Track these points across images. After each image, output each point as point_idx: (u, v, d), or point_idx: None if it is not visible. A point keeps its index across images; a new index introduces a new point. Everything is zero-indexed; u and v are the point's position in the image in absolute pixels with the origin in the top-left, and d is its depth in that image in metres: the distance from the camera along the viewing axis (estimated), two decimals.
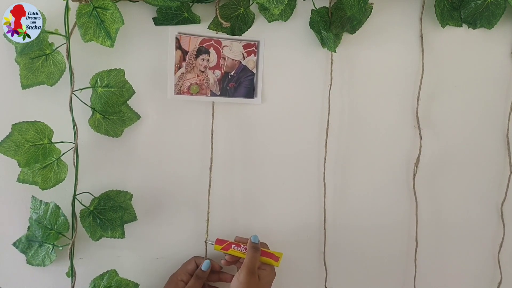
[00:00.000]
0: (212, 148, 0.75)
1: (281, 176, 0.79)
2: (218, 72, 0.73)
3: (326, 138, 0.78)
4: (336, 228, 0.82)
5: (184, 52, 0.71)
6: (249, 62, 0.73)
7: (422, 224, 0.83)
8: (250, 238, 0.72)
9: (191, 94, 0.72)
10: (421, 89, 0.79)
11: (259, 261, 0.70)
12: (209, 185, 0.76)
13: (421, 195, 0.83)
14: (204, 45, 0.71)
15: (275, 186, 0.79)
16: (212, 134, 0.75)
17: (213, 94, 0.73)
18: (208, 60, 0.72)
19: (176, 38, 0.70)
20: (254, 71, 0.74)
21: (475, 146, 0.83)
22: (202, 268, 0.72)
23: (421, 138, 0.81)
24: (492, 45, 0.81)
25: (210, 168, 0.75)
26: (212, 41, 0.72)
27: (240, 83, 0.74)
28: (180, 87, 0.72)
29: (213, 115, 0.75)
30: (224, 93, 0.74)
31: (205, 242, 0.76)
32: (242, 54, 0.73)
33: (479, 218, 0.86)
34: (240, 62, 0.73)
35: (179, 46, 0.71)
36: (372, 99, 0.80)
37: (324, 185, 0.79)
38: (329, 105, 0.78)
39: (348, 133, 0.80)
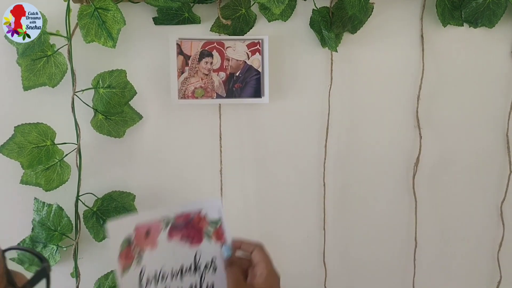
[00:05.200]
0: (220, 151, 0.75)
1: (282, 176, 0.79)
2: (222, 74, 0.72)
3: (326, 138, 0.78)
4: (336, 228, 0.82)
5: (186, 57, 0.71)
6: (254, 61, 0.73)
7: (421, 224, 0.84)
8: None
9: (196, 98, 0.72)
10: (421, 88, 0.79)
11: (239, 273, 0.59)
12: (221, 188, 0.76)
13: (421, 195, 0.83)
14: (206, 48, 0.71)
15: (277, 186, 0.80)
16: (220, 137, 0.75)
17: (219, 96, 0.73)
18: (211, 63, 0.72)
19: (177, 44, 0.70)
20: (259, 70, 0.74)
21: (475, 145, 0.83)
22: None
23: (421, 137, 0.81)
24: (493, 44, 0.81)
25: (221, 171, 0.76)
26: (215, 43, 0.71)
27: (246, 83, 0.73)
28: (184, 91, 0.71)
29: (220, 118, 0.75)
30: (230, 94, 0.73)
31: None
32: (247, 53, 0.73)
33: (479, 218, 0.86)
34: (245, 62, 0.73)
35: (180, 52, 0.70)
36: (373, 98, 0.80)
37: (324, 185, 0.80)
38: (329, 105, 0.78)
39: (348, 133, 0.80)
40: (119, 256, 0.57)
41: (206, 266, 0.63)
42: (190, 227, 0.62)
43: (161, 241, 0.60)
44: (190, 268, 0.62)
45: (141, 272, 0.59)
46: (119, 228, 0.58)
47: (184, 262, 0.62)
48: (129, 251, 0.58)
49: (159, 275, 0.60)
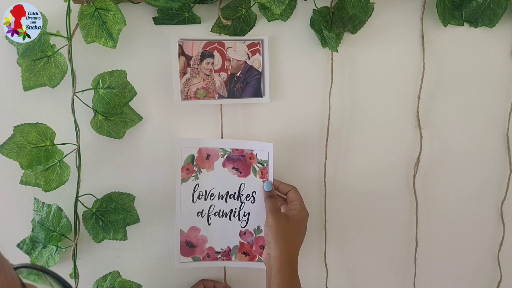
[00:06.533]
0: None
1: (282, 175, 0.79)
2: (224, 74, 0.73)
3: (327, 138, 0.78)
4: (337, 228, 0.82)
5: (188, 58, 0.71)
6: (255, 61, 0.73)
7: (422, 224, 0.84)
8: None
9: (198, 99, 0.72)
10: (421, 88, 0.79)
11: (277, 204, 0.70)
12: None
13: (421, 195, 0.83)
14: (207, 49, 0.71)
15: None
16: (222, 138, 0.75)
17: (220, 96, 0.73)
18: (213, 63, 0.72)
19: (179, 45, 0.70)
20: (260, 70, 0.74)
21: (475, 145, 0.83)
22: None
23: (421, 137, 0.81)
24: (493, 44, 0.81)
25: None
26: (216, 44, 0.71)
27: (247, 83, 0.73)
28: (187, 92, 0.71)
29: (221, 118, 0.75)
30: (231, 94, 0.73)
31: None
32: (247, 54, 0.73)
33: (479, 217, 0.86)
34: (246, 62, 0.73)
35: (182, 52, 0.70)
36: (373, 98, 0.80)
37: (325, 184, 0.80)
38: (329, 105, 0.78)
39: (348, 133, 0.80)
40: (182, 168, 0.71)
41: (247, 197, 0.74)
42: (242, 161, 0.73)
43: (217, 166, 0.73)
44: (234, 195, 0.74)
45: (195, 187, 0.72)
46: (187, 145, 0.71)
47: (230, 188, 0.74)
48: (191, 166, 0.72)
49: (208, 194, 0.73)
